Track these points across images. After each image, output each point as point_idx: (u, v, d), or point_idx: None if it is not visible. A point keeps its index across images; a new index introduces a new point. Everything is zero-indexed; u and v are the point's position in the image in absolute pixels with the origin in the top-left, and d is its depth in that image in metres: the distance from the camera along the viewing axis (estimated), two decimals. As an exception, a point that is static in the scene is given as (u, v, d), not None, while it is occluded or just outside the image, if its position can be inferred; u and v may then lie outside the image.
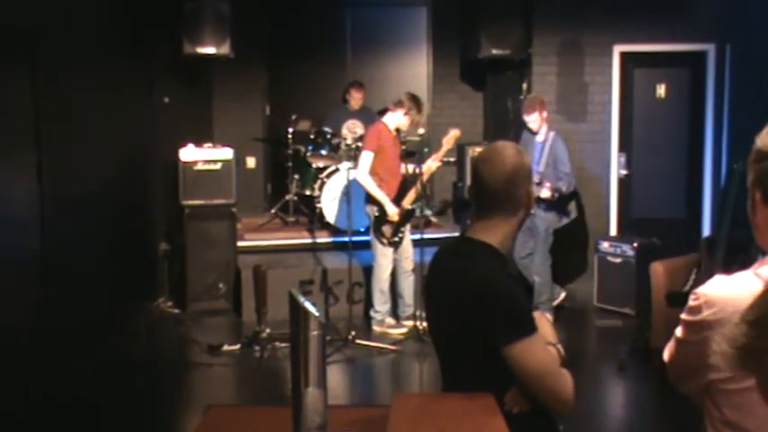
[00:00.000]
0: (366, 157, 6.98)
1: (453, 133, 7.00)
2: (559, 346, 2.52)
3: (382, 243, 7.01)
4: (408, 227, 7.06)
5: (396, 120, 6.99)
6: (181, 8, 8.13)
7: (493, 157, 2.53)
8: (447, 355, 2.64)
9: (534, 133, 7.30)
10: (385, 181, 7.00)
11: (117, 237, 7.16)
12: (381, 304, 7.14)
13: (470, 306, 2.43)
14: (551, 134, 7.29)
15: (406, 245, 7.03)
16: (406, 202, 6.97)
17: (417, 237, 6.95)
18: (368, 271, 7.65)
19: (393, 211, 6.96)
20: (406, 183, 7.00)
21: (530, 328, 2.37)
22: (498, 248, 2.51)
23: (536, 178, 6.91)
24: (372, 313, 7.21)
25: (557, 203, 7.23)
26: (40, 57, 5.24)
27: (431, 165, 7.03)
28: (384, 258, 7.06)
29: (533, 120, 7.23)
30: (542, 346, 2.39)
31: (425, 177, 7.13)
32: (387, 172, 7.00)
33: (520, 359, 2.35)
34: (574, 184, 7.33)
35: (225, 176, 7.92)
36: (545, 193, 6.97)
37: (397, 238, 7.01)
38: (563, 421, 2.54)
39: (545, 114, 7.31)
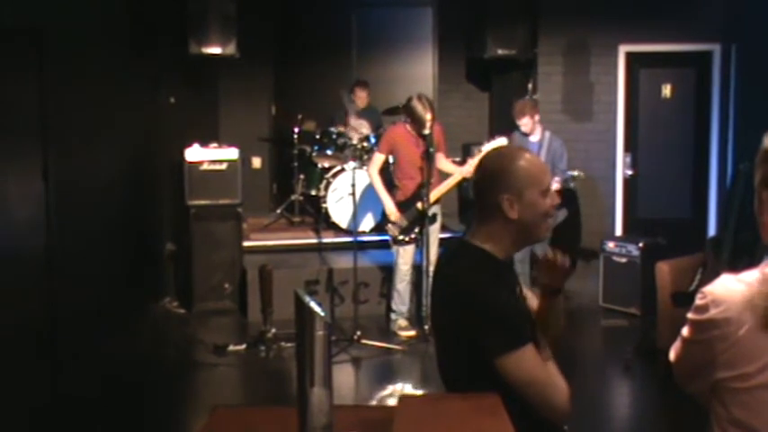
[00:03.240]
0: (375, 158, 7.11)
1: (497, 142, 6.69)
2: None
3: (395, 242, 6.99)
4: (433, 228, 6.85)
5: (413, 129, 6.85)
6: (187, 8, 8.15)
7: (482, 159, 2.57)
8: (444, 358, 2.65)
9: (526, 134, 7.42)
10: (401, 182, 6.98)
11: (122, 237, 7.17)
12: (397, 304, 7.12)
13: (461, 316, 2.42)
14: (547, 134, 7.47)
15: (430, 245, 6.74)
16: (422, 204, 6.75)
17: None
18: (373, 271, 7.68)
19: (390, 210, 6.94)
20: (424, 185, 6.74)
21: (520, 339, 2.35)
22: (494, 254, 2.48)
23: None
24: (390, 312, 7.23)
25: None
26: (46, 58, 5.25)
27: (463, 170, 6.89)
28: (399, 258, 7.04)
29: (525, 123, 7.42)
30: (534, 356, 2.37)
31: (453, 183, 6.98)
32: (402, 173, 6.97)
33: (511, 371, 2.34)
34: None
35: (230, 176, 7.92)
36: (554, 186, 7.02)
37: (407, 238, 6.96)
38: (568, 421, 2.54)
39: (537, 117, 7.47)
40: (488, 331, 2.36)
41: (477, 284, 2.42)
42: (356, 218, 7.06)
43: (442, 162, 6.99)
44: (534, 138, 7.40)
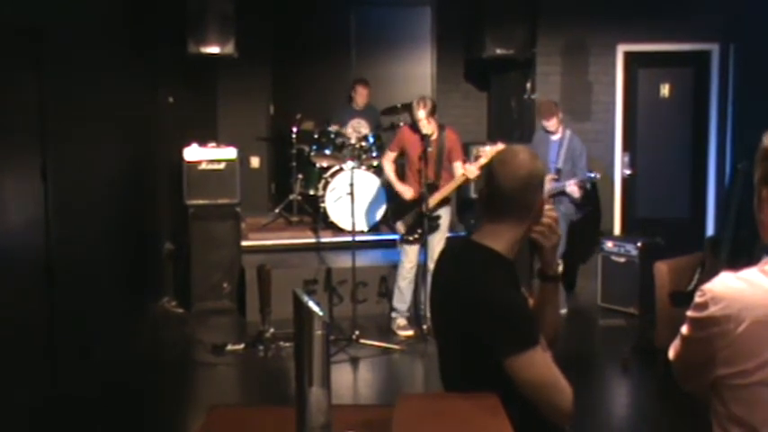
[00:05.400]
0: (386, 155, 7.29)
1: (498, 147, 6.62)
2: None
3: (402, 241, 7.03)
4: (438, 230, 6.92)
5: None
6: (185, 8, 8.14)
7: (508, 160, 2.50)
8: (447, 357, 2.64)
9: (550, 132, 7.51)
10: (408, 181, 7.04)
11: (121, 236, 7.17)
12: (397, 302, 7.15)
13: (469, 316, 2.41)
14: (567, 132, 7.54)
15: (434, 246, 6.77)
16: (426, 205, 6.76)
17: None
18: (371, 271, 7.68)
19: (402, 189, 7.02)
20: (432, 186, 6.82)
21: (530, 340, 2.35)
22: (503, 254, 2.49)
23: (553, 174, 7.29)
24: (391, 311, 7.24)
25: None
26: (45, 57, 5.24)
27: (464, 172, 6.90)
28: (404, 256, 7.08)
29: (552, 123, 7.48)
30: (542, 357, 2.37)
31: (455, 184, 6.97)
32: (410, 173, 7.04)
33: (519, 372, 2.33)
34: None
35: (229, 176, 7.92)
36: (572, 190, 7.23)
37: (411, 237, 6.98)
38: (570, 423, 2.53)
39: (560, 115, 7.56)
40: (499, 331, 2.35)
41: (488, 283, 2.42)
42: (354, 217, 7.05)
43: (459, 171, 6.98)
44: (555, 137, 7.49)
